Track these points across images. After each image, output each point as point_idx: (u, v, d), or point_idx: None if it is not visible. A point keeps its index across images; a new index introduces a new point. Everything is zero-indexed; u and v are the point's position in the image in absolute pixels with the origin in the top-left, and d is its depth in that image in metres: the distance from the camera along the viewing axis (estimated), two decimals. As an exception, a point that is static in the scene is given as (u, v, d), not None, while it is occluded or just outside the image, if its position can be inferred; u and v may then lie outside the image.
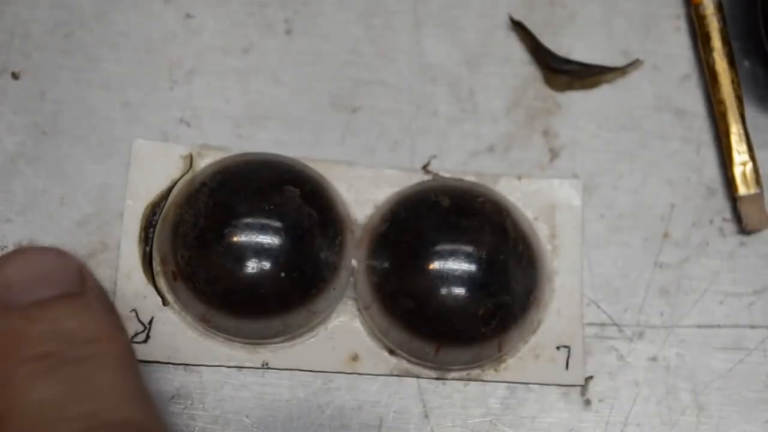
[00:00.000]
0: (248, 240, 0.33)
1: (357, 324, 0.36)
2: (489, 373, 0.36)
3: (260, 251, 0.33)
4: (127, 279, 0.35)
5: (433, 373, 0.36)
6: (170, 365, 0.35)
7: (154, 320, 0.35)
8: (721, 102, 0.38)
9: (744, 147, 0.37)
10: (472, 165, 0.38)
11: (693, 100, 0.39)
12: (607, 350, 0.36)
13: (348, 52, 0.38)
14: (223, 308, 0.34)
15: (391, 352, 0.35)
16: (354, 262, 0.35)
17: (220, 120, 0.37)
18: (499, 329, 0.34)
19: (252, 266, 0.33)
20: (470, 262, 0.34)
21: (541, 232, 0.37)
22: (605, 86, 0.39)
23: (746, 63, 0.39)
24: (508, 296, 0.34)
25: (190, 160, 0.37)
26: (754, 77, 0.39)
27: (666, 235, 0.37)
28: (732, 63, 0.38)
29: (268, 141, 0.37)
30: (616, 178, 0.38)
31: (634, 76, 0.39)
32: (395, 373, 0.35)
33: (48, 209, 0.36)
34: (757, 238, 0.38)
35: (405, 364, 0.35)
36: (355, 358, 0.35)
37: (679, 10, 0.40)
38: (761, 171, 0.37)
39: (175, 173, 0.36)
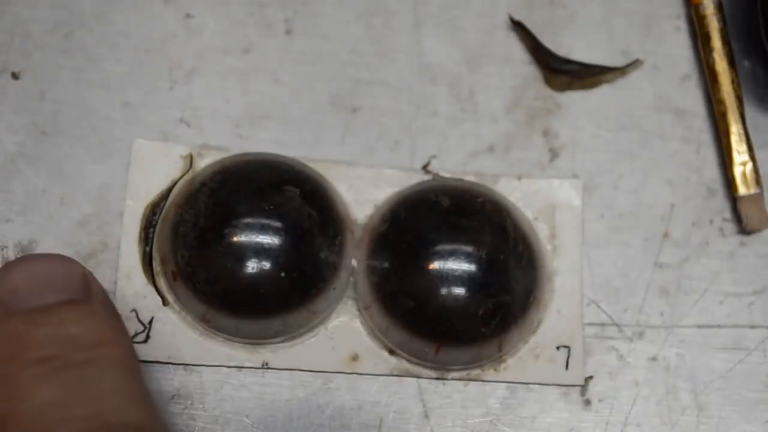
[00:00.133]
0: (248, 240, 0.33)
1: (357, 324, 0.36)
2: (489, 373, 0.36)
3: (260, 251, 0.33)
4: (127, 279, 0.35)
5: (433, 373, 0.36)
6: (170, 365, 0.35)
7: (154, 320, 0.35)
8: (721, 102, 0.38)
9: (744, 147, 0.37)
10: (472, 165, 0.38)
11: (693, 100, 0.39)
12: (607, 350, 0.36)
13: (348, 52, 0.38)
14: (223, 308, 0.34)
15: (391, 352, 0.35)
16: (354, 262, 0.35)
17: (220, 120, 0.37)
18: (499, 329, 0.34)
19: (252, 266, 0.33)
20: (470, 262, 0.34)
21: (541, 232, 0.37)
22: (605, 86, 0.39)
23: (746, 63, 0.39)
24: (508, 296, 0.34)
25: (190, 160, 0.37)
26: (754, 77, 0.39)
27: (666, 235, 0.37)
28: (732, 63, 0.38)
29: (268, 141, 0.37)
30: (616, 178, 0.38)
31: (634, 76, 0.39)
32: (395, 373, 0.35)
33: (48, 209, 0.36)
34: (757, 238, 0.38)
35: (405, 364, 0.35)
36: (355, 358, 0.35)
37: (679, 10, 0.40)
38: (761, 171, 0.37)
39: (175, 173, 0.36)
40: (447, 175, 0.37)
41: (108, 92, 0.37)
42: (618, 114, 0.38)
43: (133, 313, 0.35)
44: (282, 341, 0.35)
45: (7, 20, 0.38)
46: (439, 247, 0.34)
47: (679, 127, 0.38)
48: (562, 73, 0.38)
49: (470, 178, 0.37)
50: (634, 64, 0.39)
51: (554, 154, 0.38)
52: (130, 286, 0.35)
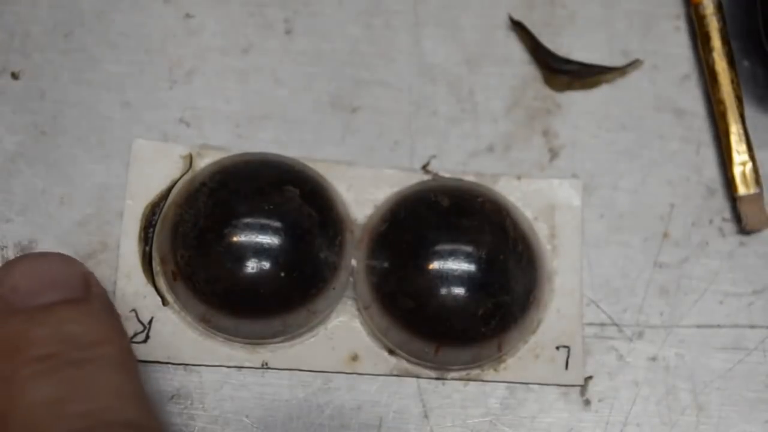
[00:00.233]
0: (248, 240, 0.33)
1: (357, 324, 0.36)
2: (489, 373, 0.36)
3: (260, 251, 0.33)
4: (127, 279, 0.35)
5: (432, 373, 0.36)
6: (170, 365, 0.35)
7: (153, 320, 0.35)
8: (720, 102, 0.38)
9: (744, 147, 0.37)
10: (471, 165, 0.38)
11: (693, 100, 0.39)
12: (607, 350, 0.36)
13: (348, 52, 0.38)
14: (222, 308, 0.34)
15: (391, 352, 0.35)
16: (354, 262, 0.35)
17: (220, 120, 0.37)
18: (499, 329, 0.34)
19: (252, 266, 0.33)
20: (470, 262, 0.34)
21: (540, 232, 0.37)
22: (605, 86, 0.39)
23: (746, 63, 0.39)
24: (508, 296, 0.34)
25: (190, 160, 0.37)
26: (754, 77, 0.39)
27: (666, 235, 0.37)
28: (732, 63, 0.38)
29: (268, 141, 0.37)
30: (616, 178, 0.38)
31: (634, 76, 0.39)
32: (395, 373, 0.35)
33: (48, 209, 0.36)
34: (756, 238, 0.38)
35: (405, 364, 0.35)
36: (354, 358, 0.35)
37: (679, 10, 0.40)
38: (761, 171, 0.37)
39: (175, 173, 0.36)
40: (447, 175, 0.37)
41: (108, 92, 0.37)
42: (618, 114, 0.38)
43: (133, 313, 0.35)
44: (282, 341, 0.35)
45: (7, 20, 0.38)
46: (439, 247, 0.34)
47: (679, 127, 0.38)
48: (562, 73, 0.38)
49: (470, 178, 0.37)
50: (634, 64, 0.39)
51: (554, 154, 0.38)
52: (130, 285, 0.35)
